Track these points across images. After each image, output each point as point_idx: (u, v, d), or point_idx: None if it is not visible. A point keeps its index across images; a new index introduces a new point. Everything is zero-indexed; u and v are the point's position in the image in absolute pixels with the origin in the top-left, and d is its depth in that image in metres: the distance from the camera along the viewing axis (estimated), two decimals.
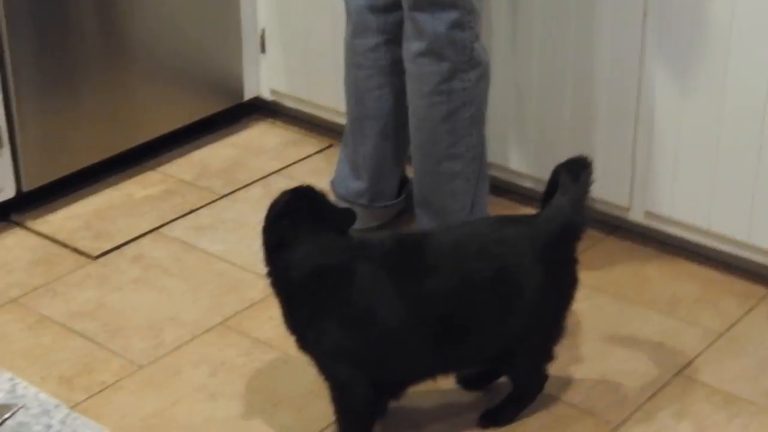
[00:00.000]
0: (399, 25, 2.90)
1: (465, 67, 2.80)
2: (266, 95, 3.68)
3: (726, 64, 2.78)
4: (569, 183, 2.44)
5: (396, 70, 2.95)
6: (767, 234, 2.86)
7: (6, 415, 1.35)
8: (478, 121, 2.87)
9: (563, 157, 2.88)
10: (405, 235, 2.63)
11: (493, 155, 3.17)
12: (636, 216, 3.06)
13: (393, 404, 2.48)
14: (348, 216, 2.40)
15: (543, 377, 2.53)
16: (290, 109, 3.66)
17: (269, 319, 2.82)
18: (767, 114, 2.77)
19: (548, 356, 2.50)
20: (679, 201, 2.96)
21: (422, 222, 2.94)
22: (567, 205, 2.42)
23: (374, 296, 2.33)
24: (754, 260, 2.93)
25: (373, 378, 2.36)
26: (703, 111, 2.86)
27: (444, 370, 2.46)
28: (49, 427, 1.34)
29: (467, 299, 2.36)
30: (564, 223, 2.42)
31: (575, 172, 2.45)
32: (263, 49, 3.61)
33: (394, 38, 2.93)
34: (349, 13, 2.96)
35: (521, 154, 3.17)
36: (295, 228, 2.36)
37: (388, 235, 2.51)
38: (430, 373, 2.44)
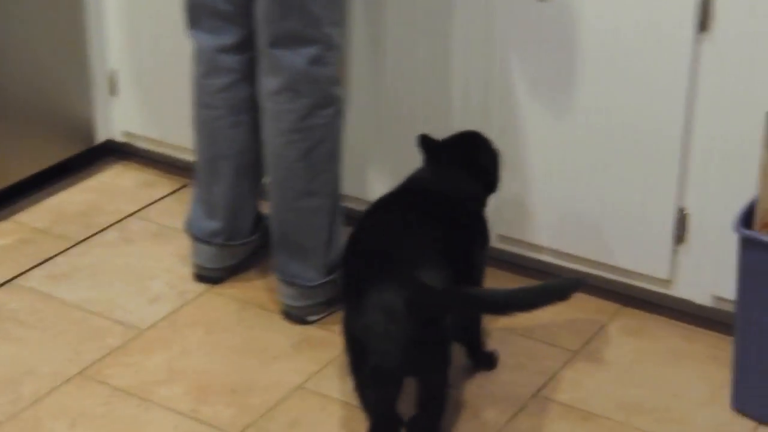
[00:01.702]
0: (250, 64, 2.91)
1: (323, 103, 2.82)
2: (118, 137, 3.66)
3: (568, 86, 2.85)
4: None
5: (248, 108, 2.96)
6: (616, 252, 2.94)
7: None
8: (334, 156, 2.89)
9: None
10: None
11: (352, 188, 3.21)
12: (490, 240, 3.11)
13: None
14: None
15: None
16: (143, 150, 3.65)
17: (128, 366, 2.81)
18: (609, 133, 2.84)
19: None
20: (530, 223, 3.02)
21: (280, 259, 2.96)
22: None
23: None
24: (605, 277, 3.00)
25: None
26: (551, 133, 2.92)
27: None
28: None
29: None
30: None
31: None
32: (113, 91, 3.60)
33: (245, 76, 2.93)
34: (197, 53, 2.96)
35: (380, 185, 3.20)
36: None
37: None
38: None
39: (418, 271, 2.38)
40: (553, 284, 2.55)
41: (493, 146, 2.77)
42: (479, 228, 2.70)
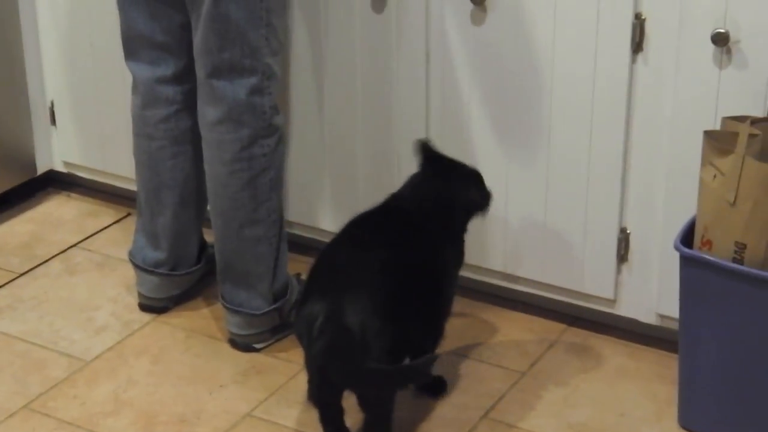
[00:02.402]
0: (190, 94, 2.90)
1: (264, 132, 2.82)
2: (60, 168, 3.64)
3: (507, 107, 2.87)
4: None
5: (190, 138, 2.95)
6: (561, 272, 2.96)
7: None
8: (277, 184, 2.89)
9: (365, 208, 2.95)
10: None
11: (296, 215, 3.21)
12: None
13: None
14: None
15: None
16: (85, 180, 3.63)
17: (74, 398, 2.79)
18: (550, 154, 2.86)
19: None
20: (475, 246, 3.02)
21: (226, 287, 2.95)
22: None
23: None
24: (549, 297, 3.02)
25: None
26: (493, 157, 2.94)
27: None
28: None
29: None
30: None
31: None
32: (53, 121, 3.58)
33: (185, 107, 2.93)
34: (136, 85, 2.95)
35: (324, 210, 3.20)
36: None
37: None
38: None
39: (345, 292, 2.49)
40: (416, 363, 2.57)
41: (472, 169, 2.76)
42: (444, 253, 2.68)
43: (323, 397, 2.57)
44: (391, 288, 2.53)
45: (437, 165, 2.73)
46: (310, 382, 2.55)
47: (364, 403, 2.55)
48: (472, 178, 2.74)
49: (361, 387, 2.53)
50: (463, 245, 2.76)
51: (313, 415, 2.63)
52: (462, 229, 2.75)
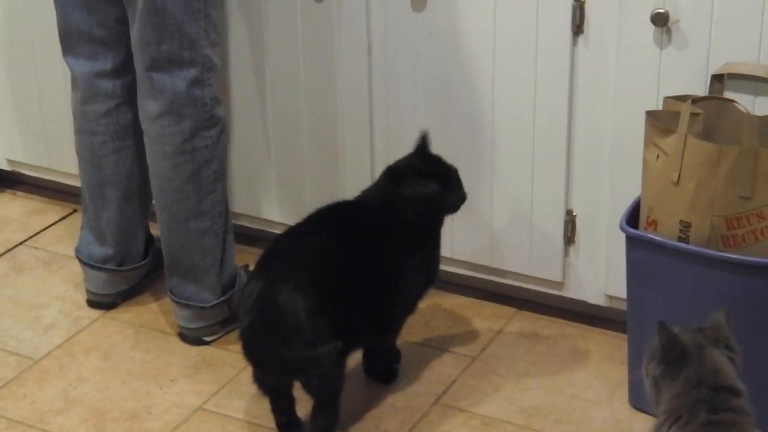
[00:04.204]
0: (130, 87, 2.88)
1: (206, 124, 2.80)
2: (3, 166, 3.60)
3: (451, 93, 2.87)
4: None
5: (132, 132, 2.93)
6: (509, 257, 2.97)
7: None
8: (221, 176, 2.88)
9: (311, 200, 2.94)
10: None
11: (241, 206, 3.20)
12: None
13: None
14: None
15: None
16: (30, 177, 3.60)
17: (24, 396, 2.77)
18: (495, 139, 2.87)
19: None
20: None
21: (173, 281, 2.93)
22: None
23: None
24: (498, 282, 3.02)
25: None
26: (439, 139, 2.93)
27: None
28: None
29: None
30: None
31: None
32: None
33: (125, 101, 2.91)
34: (75, 80, 2.92)
35: (270, 201, 3.19)
36: None
37: None
38: None
39: (282, 272, 2.51)
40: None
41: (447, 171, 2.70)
42: (405, 250, 2.63)
43: (266, 382, 2.57)
44: (334, 275, 2.52)
45: (414, 163, 2.67)
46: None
47: (308, 389, 2.54)
48: (448, 180, 2.67)
49: (269, 371, 2.53)
50: (433, 248, 2.72)
51: (265, 406, 2.63)
52: (430, 228, 2.70)
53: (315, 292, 2.47)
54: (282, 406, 2.61)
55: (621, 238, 2.60)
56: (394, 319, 2.69)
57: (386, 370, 2.79)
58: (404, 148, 2.91)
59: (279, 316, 2.45)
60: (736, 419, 2.02)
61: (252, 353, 2.50)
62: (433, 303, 3.06)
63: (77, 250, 3.08)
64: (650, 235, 2.53)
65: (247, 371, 2.79)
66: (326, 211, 2.67)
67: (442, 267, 3.05)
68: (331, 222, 2.64)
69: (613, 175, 2.77)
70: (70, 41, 2.88)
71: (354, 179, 3.04)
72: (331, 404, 2.56)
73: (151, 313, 3.07)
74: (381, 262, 2.60)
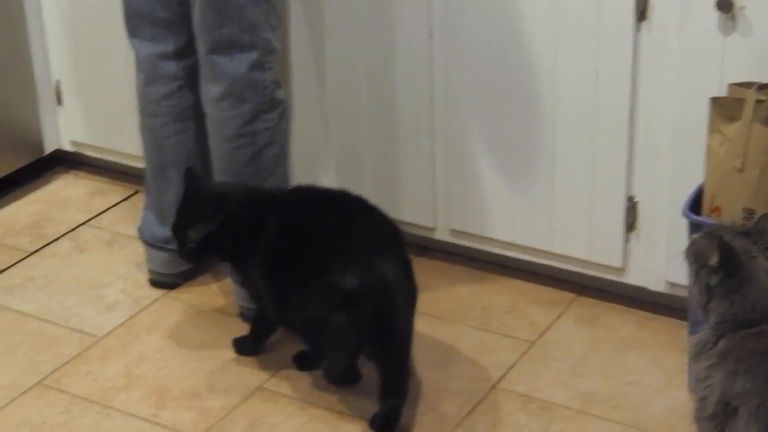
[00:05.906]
0: (192, 70, 2.91)
1: (266, 107, 2.82)
2: (67, 147, 3.64)
3: (512, 78, 2.88)
4: None
5: (193, 115, 2.96)
6: (568, 242, 2.96)
7: None
8: (281, 159, 2.90)
9: (370, 184, 2.95)
10: None
11: None
12: (442, 235, 3.13)
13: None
14: None
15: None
16: (92, 158, 3.64)
17: (87, 374, 2.81)
18: (555, 125, 2.87)
19: None
20: (482, 216, 3.04)
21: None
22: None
23: None
24: (557, 267, 3.02)
25: None
26: (498, 126, 2.94)
27: None
28: None
29: None
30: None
31: None
32: (60, 101, 3.58)
33: (187, 83, 2.93)
34: (139, 62, 2.95)
35: (329, 183, 3.20)
36: None
37: None
38: None
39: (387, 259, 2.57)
40: None
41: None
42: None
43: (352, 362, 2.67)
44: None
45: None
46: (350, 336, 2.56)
47: (380, 373, 2.57)
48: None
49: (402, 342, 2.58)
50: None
51: (321, 385, 2.65)
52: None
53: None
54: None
55: (682, 225, 2.59)
56: None
57: (306, 357, 2.83)
58: (464, 134, 2.93)
59: (415, 291, 2.59)
60: None
61: (391, 327, 2.53)
62: (490, 288, 3.06)
63: (140, 230, 3.11)
64: (713, 222, 2.52)
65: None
66: (314, 195, 2.75)
67: (501, 252, 3.07)
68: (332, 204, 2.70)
69: (675, 161, 2.76)
70: (134, 23, 2.91)
71: (413, 164, 3.05)
72: (399, 381, 2.58)
73: (212, 294, 3.09)
74: None
